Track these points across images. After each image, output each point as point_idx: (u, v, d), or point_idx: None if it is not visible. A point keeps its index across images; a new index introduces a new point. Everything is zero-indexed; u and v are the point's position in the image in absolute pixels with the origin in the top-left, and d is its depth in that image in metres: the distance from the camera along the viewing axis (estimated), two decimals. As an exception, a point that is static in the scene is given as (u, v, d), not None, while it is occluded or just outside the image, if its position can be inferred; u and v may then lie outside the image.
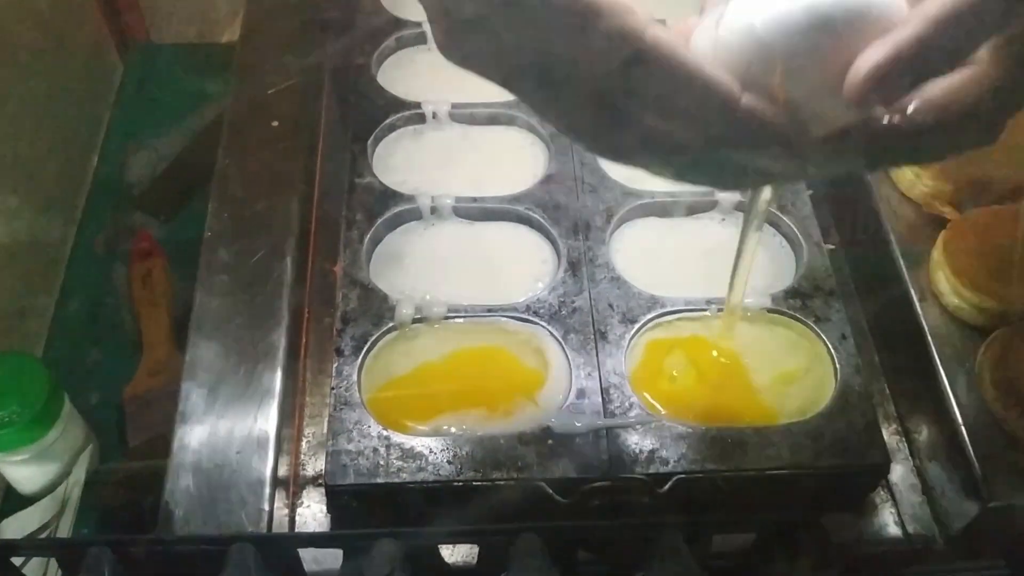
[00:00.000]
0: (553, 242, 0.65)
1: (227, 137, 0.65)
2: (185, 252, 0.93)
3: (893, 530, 0.57)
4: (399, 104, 0.72)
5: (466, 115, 0.72)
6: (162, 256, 0.91)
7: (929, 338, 0.57)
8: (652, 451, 0.55)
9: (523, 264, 0.64)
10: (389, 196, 0.66)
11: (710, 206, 0.67)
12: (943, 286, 0.58)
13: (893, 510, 0.57)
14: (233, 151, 0.65)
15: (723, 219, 0.67)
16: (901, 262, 0.60)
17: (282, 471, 0.55)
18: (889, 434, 0.59)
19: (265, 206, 0.62)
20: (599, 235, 0.64)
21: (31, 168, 0.93)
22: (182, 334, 0.87)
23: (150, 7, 1.14)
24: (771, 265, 0.64)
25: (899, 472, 0.58)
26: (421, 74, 0.75)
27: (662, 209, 0.67)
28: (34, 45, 0.94)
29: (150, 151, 1.00)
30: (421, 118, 0.71)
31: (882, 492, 0.57)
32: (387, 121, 0.71)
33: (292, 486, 0.57)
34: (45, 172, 0.96)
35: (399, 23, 0.77)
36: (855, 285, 0.65)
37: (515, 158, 0.70)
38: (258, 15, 0.74)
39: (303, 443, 0.59)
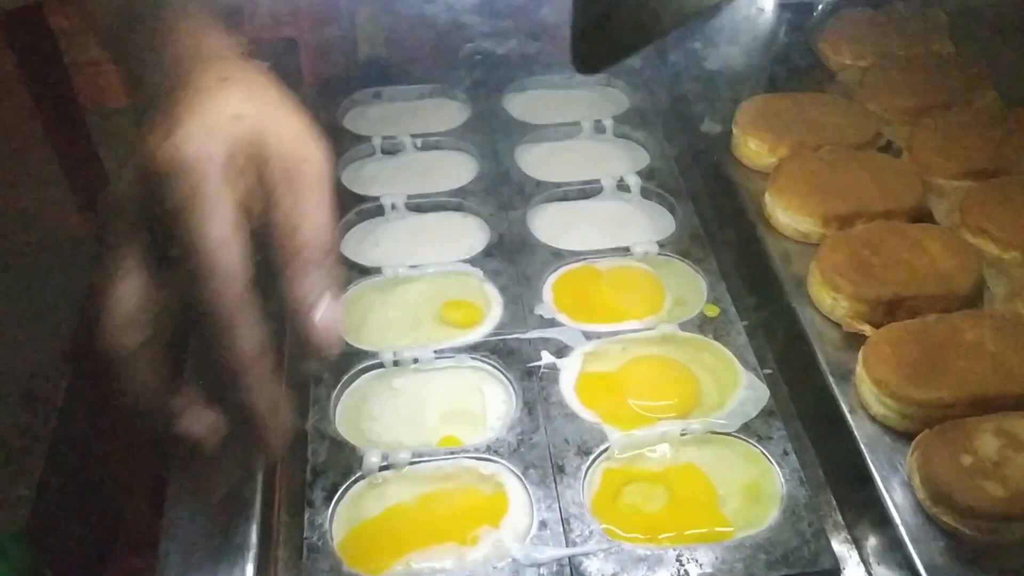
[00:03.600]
0: (510, 383, 0.69)
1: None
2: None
3: (854, 636, 0.59)
4: (361, 270, 0.78)
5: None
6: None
7: (862, 447, 0.61)
8: (614, 575, 0.57)
9: (481, 405, 0.68)
10: (354, 354, 0.71)
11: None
12: (868, 397, 0.62)
13: (851, 615, 0.59)
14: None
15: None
16: (830, 379, 0.65)
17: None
18: (839, 542, 0.61)
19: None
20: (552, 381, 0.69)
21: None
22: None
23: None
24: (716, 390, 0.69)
25: (852, 577, 0.61)
26: (379, 243, 0.82)
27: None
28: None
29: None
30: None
31: (837, 598, 0.60)
32: (350, 288, 0.76)
33: (269, 639, 0.58)
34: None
35: (359, 199, 0.84)
36: (794, 405, 0.69)
37: (472, 296, 0.76)
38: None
39: (280, 595, 0.60)
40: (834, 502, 0.65)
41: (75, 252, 1.02)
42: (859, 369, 0.63)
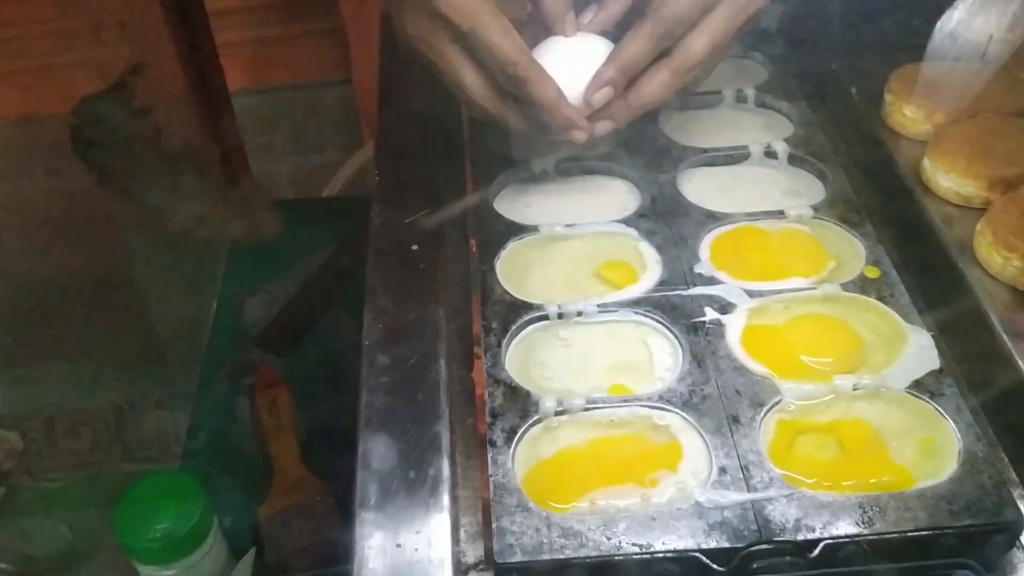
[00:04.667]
0: (675, 337, 0.70)
1: (373, 259, 0.73)
2: (300, 385, 1.01)
3: (1037, 591, 0.59)
4: (517, 228, 0.79)
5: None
6: (284, 386, 0.97)
7: (1043, 403, 0.61)
8: (798, 519, 0.58)
9: (648, 357, 0.69)
10: (519, 306, 0.73)
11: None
12: (1049, 354, 0.62)
13: (1033, 569, 0.59)
14: (380, 271, 0.72)
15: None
16: (1006, 339, 0.65)
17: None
18: (1017, 498, 0.62)
19: (413, 317, 0.69)
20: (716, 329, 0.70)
21: (157, 315, 1.02)
22: (307, 455, 0.94)
23: (255, 170, 1.26)
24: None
25: (1032, 534, 0.61)
26: (532, 204, 0.83)
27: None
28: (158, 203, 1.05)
29: (264, 295, 1.09)
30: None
31: (1018, 552, 0.60)
32: (508, 243, 0.78)
33: (455, 573, 0.60)
34: (170, 318, 1.04)
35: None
36: (958, 366, 0.70)
37: (627, 257, 0.77)
38: (387, 156, 0.84)
39: (461, 532, 0.62)
40: (1006, 459, 0.65)
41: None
42: (1038, 327, 0.63)
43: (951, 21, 0.90)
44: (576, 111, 0.75)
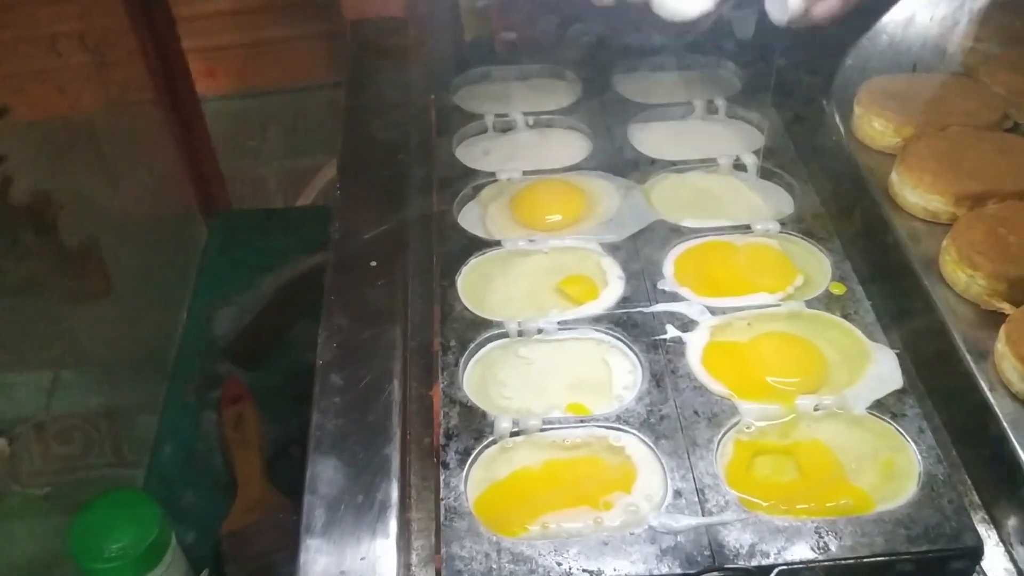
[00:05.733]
0: (635, 355, 0.69)
1: (332, 276, 0.72)
2: (269, 399, 1.00)
3: (994, 617, 0.58)
4: (480, 242, 0.78)
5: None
6: (251, 400, 0.96)
7: (1005, 426, 0.60)
8: (753, 544, 0.57)
9: (607, 375, 0.68)
10: (479, 323, 0.71)
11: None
12: (1011, 375, 0.61)
13: (992, 596, 0.58)
14: (337, 288, 0.71)
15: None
16: (968, 357, 0.64)
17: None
18: (976, 521, 0.61)
19: (369, 336, 0.68)
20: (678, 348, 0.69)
21: (125, 326, 1.00)
22: (271, 473, 0.92)
23: (231, 178, 1.25)
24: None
25: (992, 559, 0.60)
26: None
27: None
28: (131, 213, 1.04)
29: (234, 307, 1.08)
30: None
31: (978, 579, 0.59)
32: (471, 259, 0.77)
33: (405, 599, 0.59)
34: (138, 330, 1.03)
35: (474, 173, 0.85)
36: (923, 384, 0.69)
37: (589, 272, 0.76)
38: (351, 169, 0.83)
39: (413, 555, 0.61)
40: (969, 482, 0.64)
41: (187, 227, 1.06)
42: (1000, 347, 0.62)
43: (921, 32, 0.89)
44: None
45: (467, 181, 0.84)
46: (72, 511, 0.75)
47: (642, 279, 0.75)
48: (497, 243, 0.78)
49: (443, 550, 0.57)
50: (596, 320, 0.72)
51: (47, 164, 0.88)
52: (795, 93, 0.91)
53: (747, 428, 0.64)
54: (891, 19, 0.85)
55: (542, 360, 0.70)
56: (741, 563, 0.56)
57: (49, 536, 0.83)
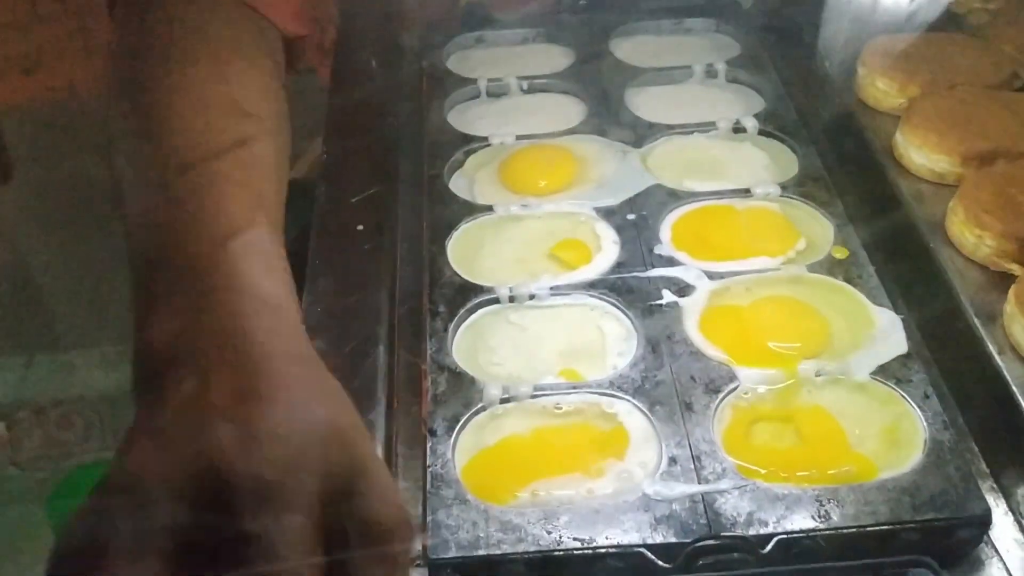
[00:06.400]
0: (630, 320, 0.67)
1: (316, 240, 0.70)
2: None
3: (1003, 586, 0.55)
4: (470, 207, 0.76)
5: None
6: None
7: (1015, 389, 0.58)
8: (750, 513, 0.55)
9: (600, 341, 0.66)
10: (469, 288, 0.69)
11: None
12: (1020, 338, 0.59)
13: (1000, 565, 0.56)
14: (322, 252, 0.68)
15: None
16: (975, 320, 0.62)
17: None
18: (985, 490, 0.58)
19: (355, 300, 0.65)
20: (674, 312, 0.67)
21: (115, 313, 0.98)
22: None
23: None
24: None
25: (1001, 528, 0.57)
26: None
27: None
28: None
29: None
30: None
31: (986, 548, 0.57)
32: (462, 224, 0.75)
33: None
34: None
35: (466, 138, 0.83)
36: (929, 350, 0.66)
37: (583, 237, 0.74)
38: (338, 135, 0.80)
39: (399, 525, 0.59)
40: (976, 449, 0.62)
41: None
42: (1010, 308, 0.60)
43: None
44: None
45: (459, 146, 0.82)
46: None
47: (638, 244, 0.72)
48: (489, 208, 0.76)
49: (429, 518, 0.55)
50: (590, 285, 0.69)
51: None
52: (796, 55, 0.88)
53: (745, 394, 0.62)
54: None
55: (534, 326, 0.68)
56: (739, 532, 0.54)
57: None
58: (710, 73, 0.89)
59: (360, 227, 0.71)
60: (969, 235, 0.65)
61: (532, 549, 0.54)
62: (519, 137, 0.82)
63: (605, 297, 0.69)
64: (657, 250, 0.72)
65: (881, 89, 0.77)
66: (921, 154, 0.71)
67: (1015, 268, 0.62)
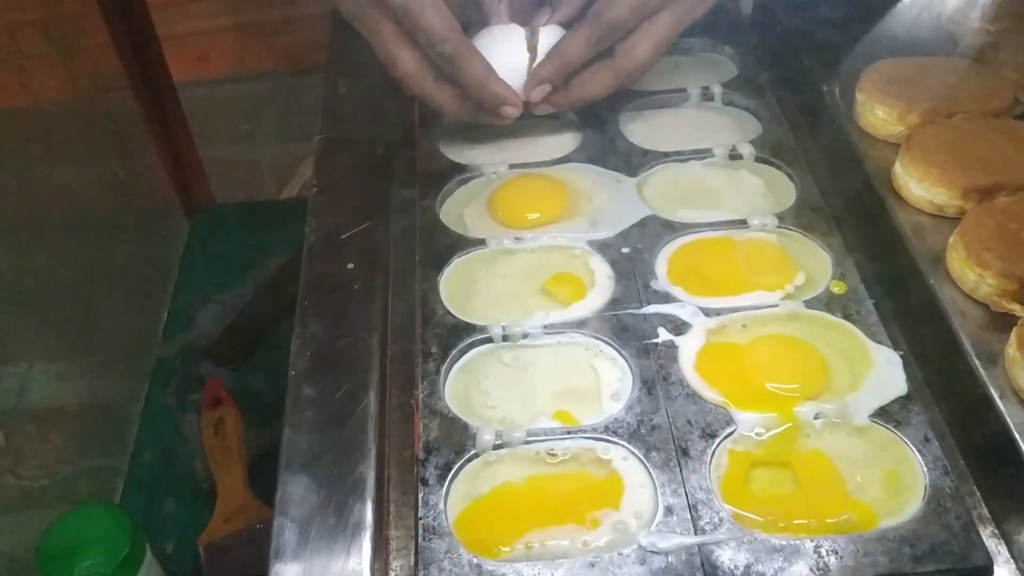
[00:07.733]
0: (625, 360, 0.66)
1: (305, 279, 0.68)
2: (253, 400, 0.97)
3: (1005, 638, 0.55)
4: (463, 241, 0.75)
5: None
6: (232, 404, 0.93)
7: (1016, 434, 0.57)
8: (747, 566, 0.54)
9: (595, 382, 0.65)
10: (462, 328, 0.68)
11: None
12: (1022, 381, 0.58)
13: (1003, 617, 0.55)
14: (312, 293, 0.67)
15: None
16: (975, 361, 0.61)
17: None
18: (986, 537, 0.57)
19: (346, 344, 0.64)
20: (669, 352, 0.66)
21: (105, 326, 0.97)
22: (254, 479, 0.90)
23: (211, 172, 1.21)
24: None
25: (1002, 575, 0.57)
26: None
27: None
28: (109, 209, 1.00)
29: (217, 304, 1.04)
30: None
31: (988, 598, 0.56)
32: (454, 259, 0.73)
33: (383, 622, 0.56)
34: (118, 329, 1.00)
35: (459, 167, 0.82)
36: (930, 390, 0.65)
37: (576, 271, 0.73)
38: (328, 167, 0.79)
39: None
40: (978, 494, 0.61)
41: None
42: (1011, 351, 0.59)
43: (928, 13, 0.85)
44: (506, 87, 0.76)
45: (451, 175, 0.81)
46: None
47: (633, 279, 0.71)
48: (481, 242, 0.75)
49: (420, 573, 0.54)
50: (584, 324, 0.68)
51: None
52: (795, 79, 0.87)
53: (743, 438, 0.61)
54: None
55: (528, 366, 0.66)
56: (736, 586, 0.53)
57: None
58: (706, 96, 0.88)
59: (350, 265, 0.69)
60: (970, 273, 0.63)
61: (526, 606, 0.53)
62: (512, 166, 0.81)
63: (599, 336, 0.68)
64: (653, 285, 0.70)
65: (880, 117, 0.75)
66: (921, 186, 0.69)
67: (1016, 308, 0.61)
